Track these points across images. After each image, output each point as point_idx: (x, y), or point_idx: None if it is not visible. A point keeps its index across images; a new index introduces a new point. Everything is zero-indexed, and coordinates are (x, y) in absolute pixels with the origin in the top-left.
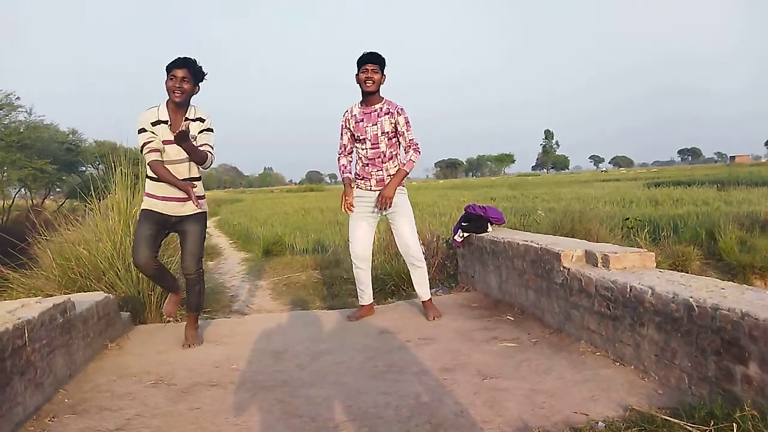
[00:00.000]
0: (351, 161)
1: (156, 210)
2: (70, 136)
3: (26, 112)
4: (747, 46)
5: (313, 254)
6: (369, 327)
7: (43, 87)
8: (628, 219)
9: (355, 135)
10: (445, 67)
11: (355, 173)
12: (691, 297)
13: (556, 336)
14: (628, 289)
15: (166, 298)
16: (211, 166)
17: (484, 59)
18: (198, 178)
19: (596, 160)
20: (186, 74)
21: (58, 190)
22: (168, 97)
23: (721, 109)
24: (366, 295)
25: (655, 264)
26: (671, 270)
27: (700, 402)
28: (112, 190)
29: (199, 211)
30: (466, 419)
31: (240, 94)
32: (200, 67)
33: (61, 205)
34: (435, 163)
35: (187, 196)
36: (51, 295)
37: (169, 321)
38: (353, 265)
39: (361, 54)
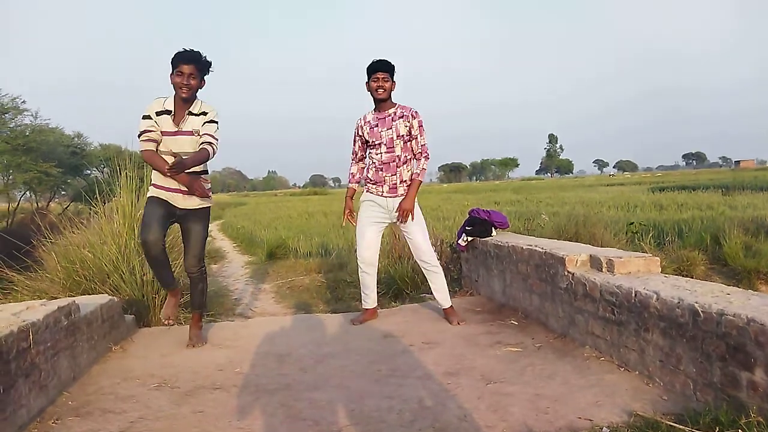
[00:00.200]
0: (361, 168)
1: (163, 197)
2: (76, 139)
3: (32, 115)
4: (748, 43)
5: (317, 257)
6: (372, 331)
7: (48, 81)
8: (632, 223)
9: (369, 140)
10: (444, 67)
11: (368, 178)
12: (696, 302)
13: (561, 341)
14: (633, 294)
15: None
16: (217, 169)
17: (484, 60)
18: (205, 172)
19: (600, 164)
20: (193, 70)
21: (63, 193)
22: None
23: (725, 108)
24: (370, 299)
25: (660, 269)
26: (676, 275)
27: (705, 408)
28: (117, 193)
29: (203, 206)
30: (470, 424)
31: (241, 95)
32: (206, 59)
33: (66, 208)
34: (439, 167)
35: (190, 189)
36: (55, 298)
37: (172, 324)
38: (359, 269)
39: (371, 62)
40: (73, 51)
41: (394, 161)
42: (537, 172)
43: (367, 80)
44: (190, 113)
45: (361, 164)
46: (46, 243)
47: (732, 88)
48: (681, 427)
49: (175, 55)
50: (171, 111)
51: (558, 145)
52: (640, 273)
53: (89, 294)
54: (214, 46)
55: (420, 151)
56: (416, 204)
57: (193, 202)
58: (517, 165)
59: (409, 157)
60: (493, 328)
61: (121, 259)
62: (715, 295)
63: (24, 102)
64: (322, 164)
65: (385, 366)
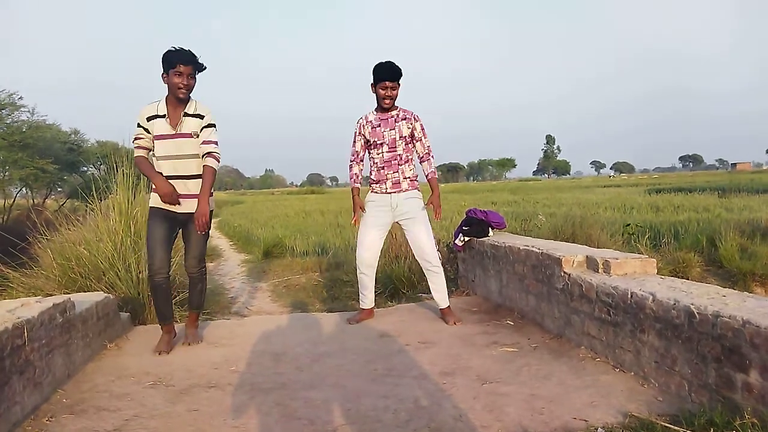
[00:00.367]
0: (362, 169)
1: (163, 207)
2: (72, 136)
3: (29, 111)
4: (748, 46)
5: (314, 257)
6: (369, 330)
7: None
8: (629, 225)
9: (371, 140)
10: (443, 67)
11: (371, 179)
12: (692, 304)
13: (557, 341)
14: (629, 295)
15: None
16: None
17: (483, 60)
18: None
19: (597, 165)
20: (191, 70)
21: (59, 189)
22: (167, 92)
23: (722, 110)
24: (368, 300)
25: (656, 270)
26: (672, 276)
27: (700, 409)
28: (114, 190)
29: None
30: (465, 424)
31: (240, 95)
32: (199, 59)
33: (62, 204)
34: (436, 167)
35: (191, 194)
36: (51, 295)
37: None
38: (357, 270)
39: (380, 66)
40: (73, 51)
41: (395, 159)
42: (534, 173)
43: (374, 83)
44: (186, 114)
45: (362, 165)
46: (41, 240)
47: (730, 91)
48: (676, 428)
49: (170, 54)
50: (165, 114)
51: (555, 146)
52: (636, 274)
53: (85, 291)
54: (214, 47)
55: (426, 152)
56: (422, 204)
57: (193, 206)
58: (514, 165)
59: (410, 157)
60: (490, 328)
61: (116, 257)
62: (711, 297)
63: (21, 98)
64: (319, 163)
65: (382, 365)
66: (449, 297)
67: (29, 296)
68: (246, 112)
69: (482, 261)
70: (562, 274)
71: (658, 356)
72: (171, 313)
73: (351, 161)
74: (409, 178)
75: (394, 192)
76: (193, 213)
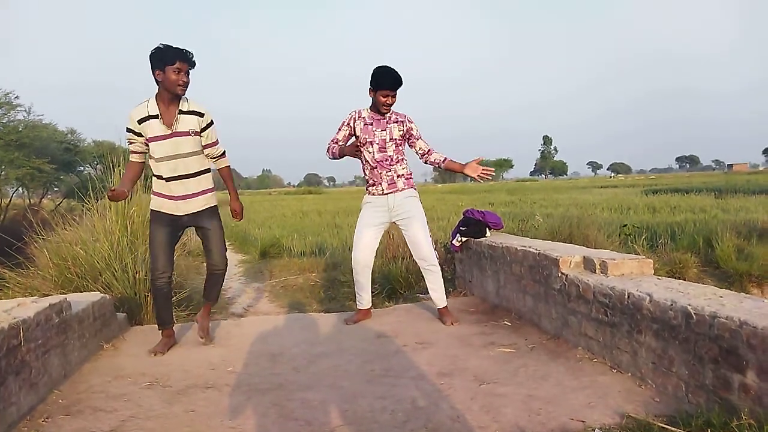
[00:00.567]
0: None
1: (164, 211)
2: (69, 135)
3: (25, 111)
4: (746, 47)
5: (311, 257)
6: (366, 331)
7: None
8: (626, 225)
9: (361, 137)
10: (443, 67)
11: (366, 181)
12: (689, 305)
13: (554, 342)
14: (626, 296)
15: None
16: (212, 167)
17: (483, 60)
18: (206, 171)
19: (594, 166)
20: (188, 67)
21: (55, 189)
22: (157, 90)
23: (719, 111)
24: (364, 300)
25: (653, 271)
26: (669, 277)
27: (697, 410)
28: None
29: (209, 206)
30: (463, 424)
31: (237, 95)
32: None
33: (59, 204)
34: (433, 168)
35: (191, 193)
36: (47, 295)
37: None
38: (354, 270)
39: (383, 73)
40: (73, 51)
41: (387, 160)
42: (531, 174)
43: (373, 89)
44: (181, 112)
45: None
46: (38, 240)
47: (728, 92)
48: (673, 429)
49: (167, 50)
50: (157, 114)
51: (552, 147)
52: (633, 275)
53: (81, 291)
54: (214, 46)
55: (429, 147)
56: (418, 202)
57: (194, 205)
58: (511, 166)
59: (401, 158)
60: (487, 328)
61: (113, 257)
62: (708, 298)
63: (17, 97)
64: (316, 163)
65: (379, 366)
66: (447, 297)
67: (25, 296)
68: (244, 112)
69: (479, 261)
70: (560, 274)
71: (655, 357)
72: (171, 318)
73: (328, 144)
74: (403, 176)
75: (391, 192)
76: (197, 212)
